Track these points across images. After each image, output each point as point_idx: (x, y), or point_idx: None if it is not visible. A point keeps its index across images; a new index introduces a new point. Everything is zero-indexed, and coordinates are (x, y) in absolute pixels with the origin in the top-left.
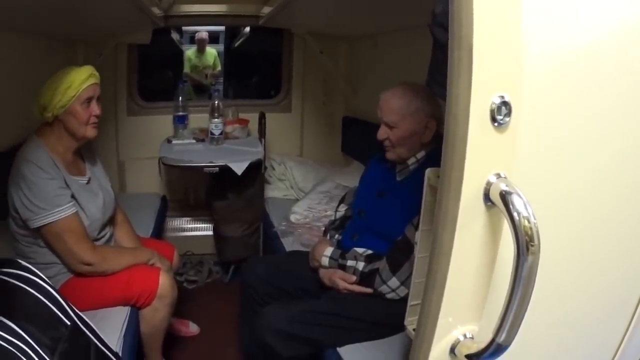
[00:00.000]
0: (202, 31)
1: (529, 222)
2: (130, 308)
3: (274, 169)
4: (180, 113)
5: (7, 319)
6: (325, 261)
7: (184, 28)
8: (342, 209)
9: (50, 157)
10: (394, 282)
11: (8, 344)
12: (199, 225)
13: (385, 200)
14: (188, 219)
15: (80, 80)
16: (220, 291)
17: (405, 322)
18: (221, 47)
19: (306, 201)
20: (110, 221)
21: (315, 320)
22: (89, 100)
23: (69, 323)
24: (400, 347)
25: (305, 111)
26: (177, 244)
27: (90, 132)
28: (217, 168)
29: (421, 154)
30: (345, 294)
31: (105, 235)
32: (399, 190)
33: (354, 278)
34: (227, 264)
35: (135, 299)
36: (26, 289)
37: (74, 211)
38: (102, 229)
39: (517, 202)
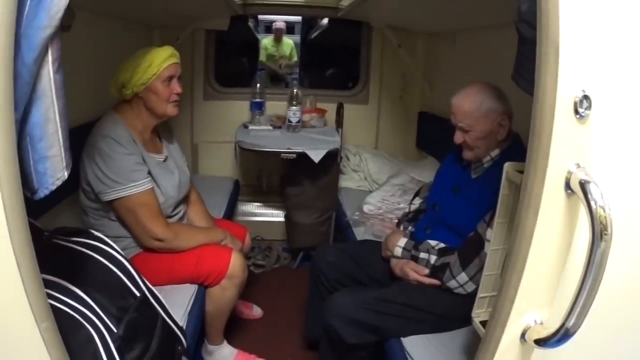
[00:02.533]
0: (280, 21)
1: (604, 211)
2: (197, 286)
3: (348, 159)
4: (258, 99)
5: (75, 286)
6: (398, 251)
7: (260, 17)
8: (417, 202)
9: (128, 133)
10: (462, 277)
11: (73, 311)
12: (270, 211)
13: (459, 196)
14: (259, 204)
15: (161, 59)
16: (286, 277)
17: (473, 314)
18: (297, 37)
19: (380, 192)
20: (184, 200)
21: (382, 308)
22: (169, 78)
23: (138, 294)
24: (463, 342)
25: (382, 104)
26: (247, 228)
27: (171, 110)
28: (295, 154)
29: (495, 152)
30: (414, 285)
31: (178, 213)
32: (473, 187)
33: (426, 270)
34: (296, 250)
35: (204, 277)
36: (97, 259)
37: (150, 187)
38: (176, 206)
39: (594, 191)
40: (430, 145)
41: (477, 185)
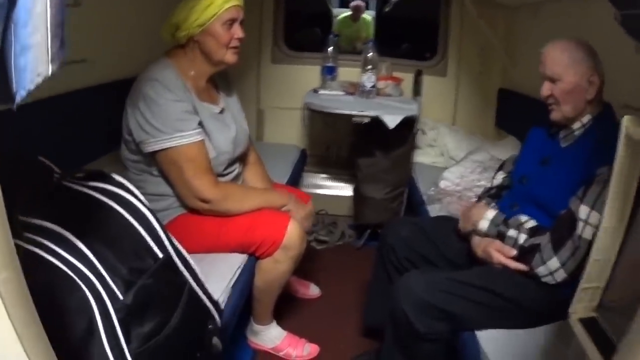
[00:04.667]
0: None
1: None
2: (247, 256)
3: (424, 133)
4: (330, 64)
5: (77, 237)
6: (484, 225)
7: None
8: (500, 176)
9: (179, 78)
10: (554, 262)
11: (68, 268)
12: (337, 184)
13: (549, 169)
14: (326, 176)
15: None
16: (350, 256)
17: (571, 309)
18: (372, 13)
19: (459, 168)
20: (241, 159)
21: (460, 291)
22: (231, 22)
23: (160, 255)
24: (544, 344)
25: (461, 78)
26: (312, 201)
27: (230, 57)
28: (368, 119)
29: (587, 118)
30: (498, 269)
31: (232, 172)
32: (564, 157)
33: (513, 251)
34: (363, 228)
35: (256, 246)
36: (115, 208)
37: (199, 139)
38: (229, 165)
39: None
40: (511, 124)
41: (568, 155)
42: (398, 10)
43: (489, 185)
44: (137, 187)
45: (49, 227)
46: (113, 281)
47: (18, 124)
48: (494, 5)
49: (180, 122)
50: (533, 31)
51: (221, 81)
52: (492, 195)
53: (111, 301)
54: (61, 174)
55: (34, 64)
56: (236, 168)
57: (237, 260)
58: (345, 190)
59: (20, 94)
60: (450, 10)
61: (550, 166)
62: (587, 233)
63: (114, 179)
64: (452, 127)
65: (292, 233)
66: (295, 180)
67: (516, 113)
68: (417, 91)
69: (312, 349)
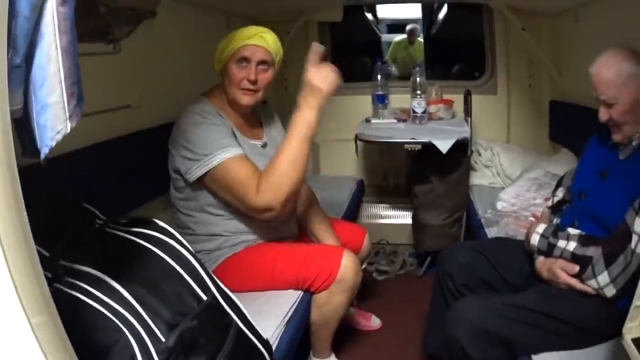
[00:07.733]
0: (410, 22)
1: None
2: (302, 292)
3: (480, 154)
4: (380, 92)
5: (118, 282)
6: (535, 240)
7: (380, 15)
8: (560, 192)
9: (216, 111)
10: (604, 277)
11: (109, 312)
12: (396, 213)
13: (608, 182)
14: (385, 205)
15: (241, 37)
16: (411, 285)
17: (624, 330)
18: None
19: (514, 188)
20: None
21: (517, 316)
22: (246, 60)
23: (204, 298)
24: None
25: (512, 94)
26: (372, 232)
27: (242, 97)
28: (420, 145)
29: None
30: (555, 290)
31: None
32: (623, 169)
33: (577, 268)
34: (423, 256)
35: (311, 281)
36: (156, 253)
37: (242, 153)
38: None
39: None
40: (565, 136)
41: (627, 167)
42: (444, 31)
43: (549, 202)
44: (187, 229)
45: (90, 272)
46: (154, 323)
47: (67, 170)
48: (534, 16)
49: (222, 140)
50: (576, 37)
51: (264, 114)
52: (553, 210)
53: (153, 343)
54: (105, 220)
55: (53, 122)
56: None
57: (293, 297)
58: (404, 218)
59: (44, 151)
60: (494, 26)
61: (609, 180)
62: None
63: (156, 224)
64: (506, 145)
65: (347, 266)
66: (353, 212)
67: (569, 124)
68: (467, 111)
69: None
